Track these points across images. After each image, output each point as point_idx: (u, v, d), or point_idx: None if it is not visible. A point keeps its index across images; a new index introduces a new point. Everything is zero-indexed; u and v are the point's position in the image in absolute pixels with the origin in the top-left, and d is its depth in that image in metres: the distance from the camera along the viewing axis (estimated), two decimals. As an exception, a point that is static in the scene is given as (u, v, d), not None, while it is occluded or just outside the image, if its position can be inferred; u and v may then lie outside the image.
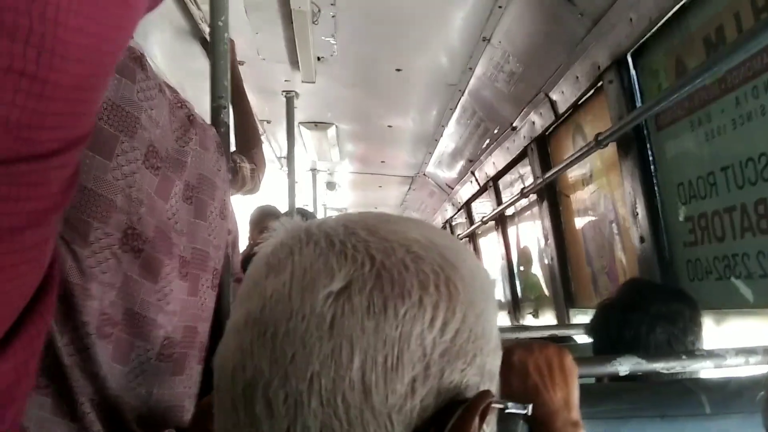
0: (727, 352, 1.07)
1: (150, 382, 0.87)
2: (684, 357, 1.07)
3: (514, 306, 3.60)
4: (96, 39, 0.32)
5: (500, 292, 3.92)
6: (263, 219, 2.77)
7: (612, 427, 1.01)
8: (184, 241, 0.95)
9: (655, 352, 1.19)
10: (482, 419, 0.42)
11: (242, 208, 3.41)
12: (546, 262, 2.83)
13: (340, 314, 0.39)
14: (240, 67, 1.97)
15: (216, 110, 1.32)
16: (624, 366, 1.04)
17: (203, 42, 2.14)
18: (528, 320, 3.40)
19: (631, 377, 1.11)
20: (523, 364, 0.81)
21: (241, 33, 2.21)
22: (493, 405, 0.44)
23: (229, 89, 1.37)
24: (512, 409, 0.48)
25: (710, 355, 1.07)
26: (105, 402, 0.80)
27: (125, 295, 0.83)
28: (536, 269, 3.22)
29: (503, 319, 3.79)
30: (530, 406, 0.50)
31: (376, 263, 0.41)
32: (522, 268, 3.49)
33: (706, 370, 1.16)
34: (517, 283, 3.59)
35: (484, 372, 0.44)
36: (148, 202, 0.86)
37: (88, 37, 0.31)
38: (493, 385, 0.46)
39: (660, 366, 1.05)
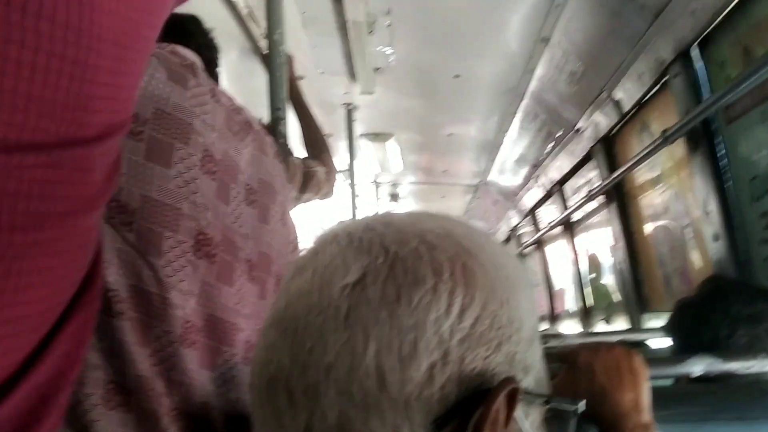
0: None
1: (238, 387, 0.87)
2: (762, 356, 1.01)
3: (585, 313, 3.50)
4: (129, 23, 0.33)
5: (570, 300, 3.83)
6: None
7: (686, 430, 0.96)
8: (251, 244, 0.95)
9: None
10: (510, 408, 0.41)
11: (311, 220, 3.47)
12: (616, 266, 2.74)
13: (355, 305, 0.40)
14: (300, 82, 2.01)
15: (275, 121, 1.35)
16: (698, 366, 0.99)
17: (264, 58, 2.20)
18: (600, 327, 3.30)
19: (709, 379, 1.06)
20: (589, 365, 0.79)
21: (299, 48, 2.26)
22: (524, 394, 0.43)
23: (285, 101, 1.40)
24: (557, 405, 0.46)
25: (790, 352, 1.03)
26: (191, 410, 0.80)
27: (205, 301, 0.83)
28: (606, 275, 3.12)
29: (574, 327, 3.70)
30: (582, 403, 0.47)
31: (390, 254, 0.42)
32: (592, 275, 3.40)
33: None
34: (587, 290, 3.49)
35: (514, 361, 0.43)
36: (212, 206, 0.87)
37: (121, 20, 0.32)
38: (530, 377, 0.45)
39: (736, 366, 0.99)
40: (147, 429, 0.76)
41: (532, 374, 0.46)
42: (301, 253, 0.47)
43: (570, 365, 0.80)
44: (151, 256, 0.77)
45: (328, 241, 0.45)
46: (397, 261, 0.41)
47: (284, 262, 1.09)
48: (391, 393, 0.39)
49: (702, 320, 1.19)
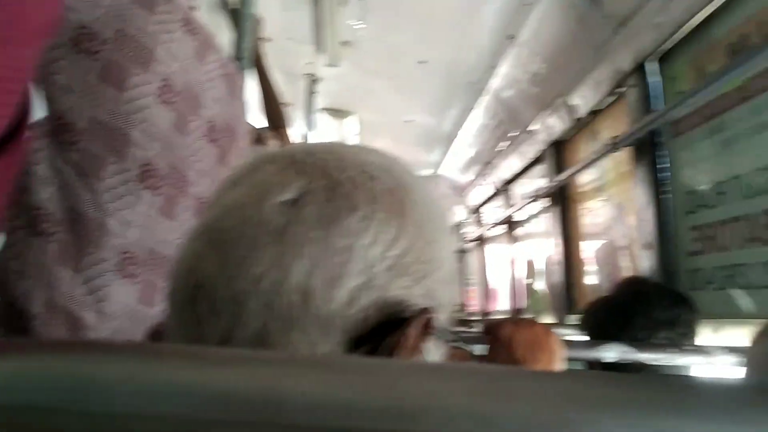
0: (716, 350, 1.00)
1: None
2: (673, 350, 1.01)
3: (515, 313, 3.45)
4: None
5: (503, 300, 3.80)
6: None
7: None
8: (207, 182, 0.92)
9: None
10: (423, 338, 0.42)
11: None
12: (550, 268, 2.78)
13: (290, 222, 0.40)
14: (264, 45, 1.84)
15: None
16: (611, 353, 0.97)
17: (232, 14, 1.70)
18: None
19: (621, 368, 1.04)
20: (509, 338, 0.83)
21: (268, 9, 1.93)
22: (436, 328, 0.43)
23: (248, 61, 1.36)
24: (462, 345, 0.53)
25: (699, 350, 1.01)
26: None
27: (148, 233, 0.80)
28: (542, 279, 3.07)
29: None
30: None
31: (329, 178, 0.42)
32: (528, 279, 3.32)
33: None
34: (522, 291, 3.43)
35: (432, 297, 0.44)
36: (164, 138, 0.82)
37: None
38: (443, 316, 0.46)
39: (648, 357, 0.98)
40: None
41: (445, 314, 0.46)
42: (237, 168, 0.47)
43: (492, 337, 0.84)
44: (93, 179, 0.74)
45: (267, 160, 0.45)
46: (335, 185, 0.41)
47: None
48: (314, 310, 0.39)
49: (622, 321, 1.17)
